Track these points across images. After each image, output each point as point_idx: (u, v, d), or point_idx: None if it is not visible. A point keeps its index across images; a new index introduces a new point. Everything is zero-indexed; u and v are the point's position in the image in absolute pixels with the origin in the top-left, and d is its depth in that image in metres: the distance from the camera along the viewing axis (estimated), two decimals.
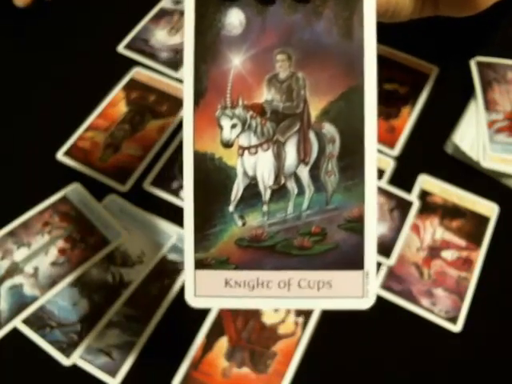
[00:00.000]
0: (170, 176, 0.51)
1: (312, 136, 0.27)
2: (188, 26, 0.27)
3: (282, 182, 0.28)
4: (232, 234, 0.27)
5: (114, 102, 0.56)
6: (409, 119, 0.55)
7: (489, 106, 0.54)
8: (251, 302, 0.28)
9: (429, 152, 0.53)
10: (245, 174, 0.27)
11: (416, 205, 0.49)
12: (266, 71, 0.27)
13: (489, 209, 0.50)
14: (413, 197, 0.50)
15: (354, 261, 0.27)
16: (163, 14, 0.63)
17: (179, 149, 0.53)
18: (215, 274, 0.27)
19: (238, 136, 0.27)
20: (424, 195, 0.50)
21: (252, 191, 0.27)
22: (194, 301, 0.28)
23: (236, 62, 0.27)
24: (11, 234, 0.48)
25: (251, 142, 0.27)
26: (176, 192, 0.50)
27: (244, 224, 0.27)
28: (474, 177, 0.52)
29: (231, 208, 0.27)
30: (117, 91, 0.57)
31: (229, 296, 0.28)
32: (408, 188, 0.51)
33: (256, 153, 0.27)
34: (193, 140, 0.27)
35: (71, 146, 0.53)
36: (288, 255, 0.27)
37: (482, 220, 0.49)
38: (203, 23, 0.27)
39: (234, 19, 0.27)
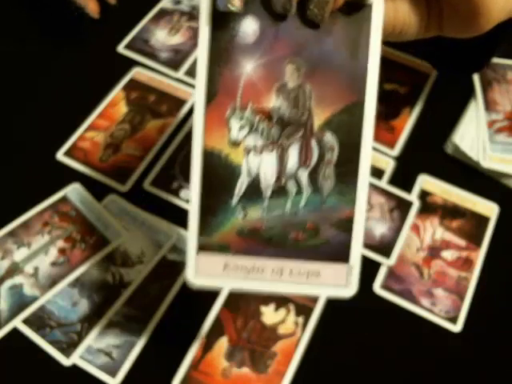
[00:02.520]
0: (170, 176, 0.51)
1: (313, 143, 0.29)
2: (203, 29, 0.28)
3: (283, 182, 0.30)
4: (233, 225, 0.30)
5: (114, 102, 0.56)
6: (409, 119, 0.55)
7: (489, 106, 0.54)
8: (246, 284, 0.30)
9: (429, 152, 0.53)
10: (249, 172, 0.29)
11: (416, 205, 0.49)
12: (275, 79, 0.29)
13: (489, 209, 0.50)
14: (413, 197, 0.50)
15: (341, 255, 0.30)
16: (163, 13, 0.63)
17: (179, 149, 0.53)
18: (215, 257, 0.30)
19: (245, 137, 0.29)
20: (424, 195, 0.50)
21: (254, 188, 0.30)
22: (194, 278, 0.30)
23: (248, 68, 0.28)
24: (11, 233, 0.48)
25: (257, 144, 0.29)
26: (176, 192, 0.50)
27: (245, 216, 0.29)
28: (474, 177, 0.52)
29: (234, 201, 0.29)
30: (117, 91, 0.57)
31: (226, 277, 0.30)
32: (408, 188, 0.51)
33: (261, 153, 0.29)
34: (202, 136, 0.29)
35: (71, 145, 0.53)
36: (283, 246, 0.30)
37: (482, 220, 0.49)
38: (218, 28, 0.28)
39: (248, 27, 0.28)
